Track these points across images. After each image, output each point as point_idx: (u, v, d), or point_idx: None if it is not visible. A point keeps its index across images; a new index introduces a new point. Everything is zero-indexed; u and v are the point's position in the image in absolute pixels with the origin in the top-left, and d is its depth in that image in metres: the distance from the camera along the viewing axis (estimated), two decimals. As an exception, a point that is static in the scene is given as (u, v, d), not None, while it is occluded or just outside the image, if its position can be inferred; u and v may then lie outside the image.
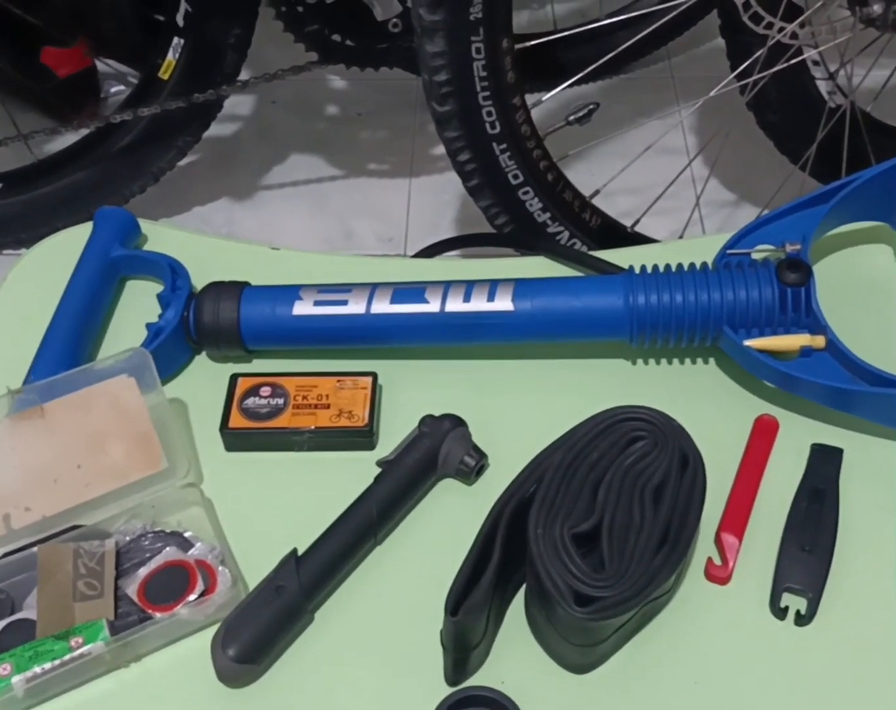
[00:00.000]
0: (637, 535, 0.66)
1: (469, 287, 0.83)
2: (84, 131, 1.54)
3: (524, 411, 0.83)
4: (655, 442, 0.70)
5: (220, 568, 0.72)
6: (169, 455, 0.77)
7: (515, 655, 0.69)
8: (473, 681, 0.67)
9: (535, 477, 0.69)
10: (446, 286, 0.83)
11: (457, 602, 0.63)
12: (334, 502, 0.75)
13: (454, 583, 0.65)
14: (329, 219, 1.69)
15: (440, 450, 0.77)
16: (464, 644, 0.65)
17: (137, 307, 0.91)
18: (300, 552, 0.72)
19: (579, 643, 0.65)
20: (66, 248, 0.94)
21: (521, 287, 0.82)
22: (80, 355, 0.85)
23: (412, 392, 0.84)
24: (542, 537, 0.65)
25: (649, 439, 0.70)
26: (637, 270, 0.84)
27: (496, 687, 0.64)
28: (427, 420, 0.79)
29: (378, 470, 0.77)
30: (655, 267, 0.84)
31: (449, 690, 0.65)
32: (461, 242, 1.11)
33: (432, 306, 0.82)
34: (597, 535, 0.66)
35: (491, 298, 0.82)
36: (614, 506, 0.67)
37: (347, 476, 0.78)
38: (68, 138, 1.59)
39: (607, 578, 0.64)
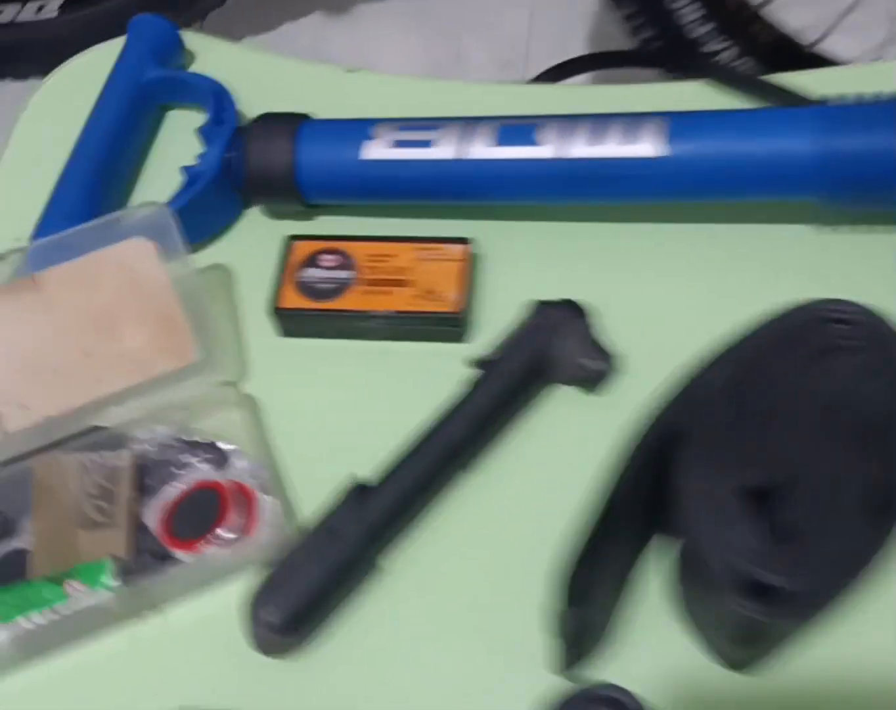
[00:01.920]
0: (839, 495, 0.45)
1: (599, 124, 0.61)
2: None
3: (666, 299, 0.61)
4: (866, 356, 0.48)
5: (262, 496, 0.56)
6: (202, 343, 0.59)
7: (650, 637, 0.50)
8: (594, 672, 0.49)
9: (690, 404, 0.49)
10: (567, 123, 0.61)
11: (577, 586, 0.45)
12: (413, 412, 0.57)
13: (573, 557, 0.46)
14: (435, 38, 1.45)
15: (552, 348, 0.57)
16: (583, 633, 0.47)
17: (179, 146, 0.73)
18: (367, 483, 0.54)
19: (746, 641, 0.47)
20: (97, 69, 0.75)
21: (676, 124, 0.60)
22: (101, 209, 0.67)
23: (516, 267, 0.64)
24: (702, 497, 0.45)
25: (858, 352, 0.48)
26: (830, 102, 0.60)
27: (624, 685, 0.46)
28: (537, 308, 0.59)
29: (470, 372, 0.58)
30: (858, 97, 0.60)
31: (557, 678, 0.48)
32: (593, 63, 0.86)
33: (547, 150, 0.61)
34: (781, 494, 0.45)
35: (630, 138, 0.60)
36: (808, 452, 0.46)
37: (430, 377, 0.59)
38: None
39: (795, 560, 0.44)
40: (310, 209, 0.67)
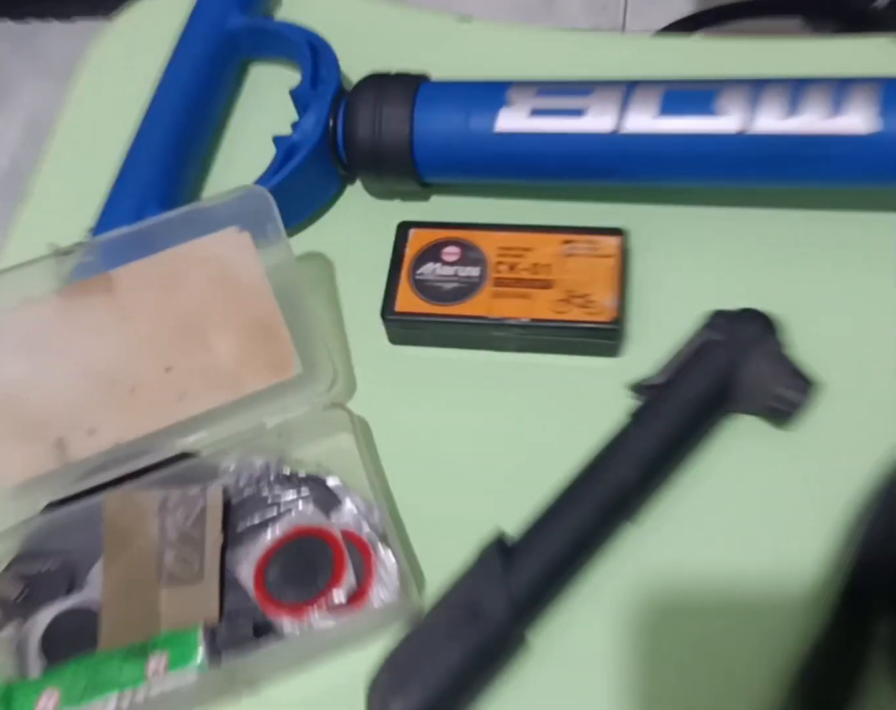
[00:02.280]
0: None
1: (795, 92, 0.49)
2: None
3: (872, 307, 0.50)
4: None
5: (380, 549, 0.45)
6: (304, 354, 0.49)
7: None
8: None
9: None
10: (754, 89, 0.49)
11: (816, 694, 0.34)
12: (558, 444, 0.46)
13: (806, 655, 0.35)
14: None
15: (738, 371, 0.46)
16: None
17: (268, 110, 0.62)
18: (510, 539, 0.44)
19: None
20: (169, 14, 0.64)
21: (892, 92, 0.48)
22: (176, 190, 0.57)
23: (676, 264, 0.53)
24: None
25: None
26: None
27: None
28: (717, 320, 0.48)
29: (630, 397, 0.47)
30: None
31: None
32: (749, 9, 0.72)
33: (729, 122, 0.49)
34: None
35: (836, 109, 0.48)
36: None
37: (578, 400, 0.49)
38: None
39: None
40: (425, 189, 0.56)
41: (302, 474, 0.48)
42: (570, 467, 0.45)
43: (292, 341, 0.49)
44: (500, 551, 0.43)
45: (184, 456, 0.49)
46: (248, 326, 0.49)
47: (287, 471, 0.48)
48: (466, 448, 0.49)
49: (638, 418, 0.46)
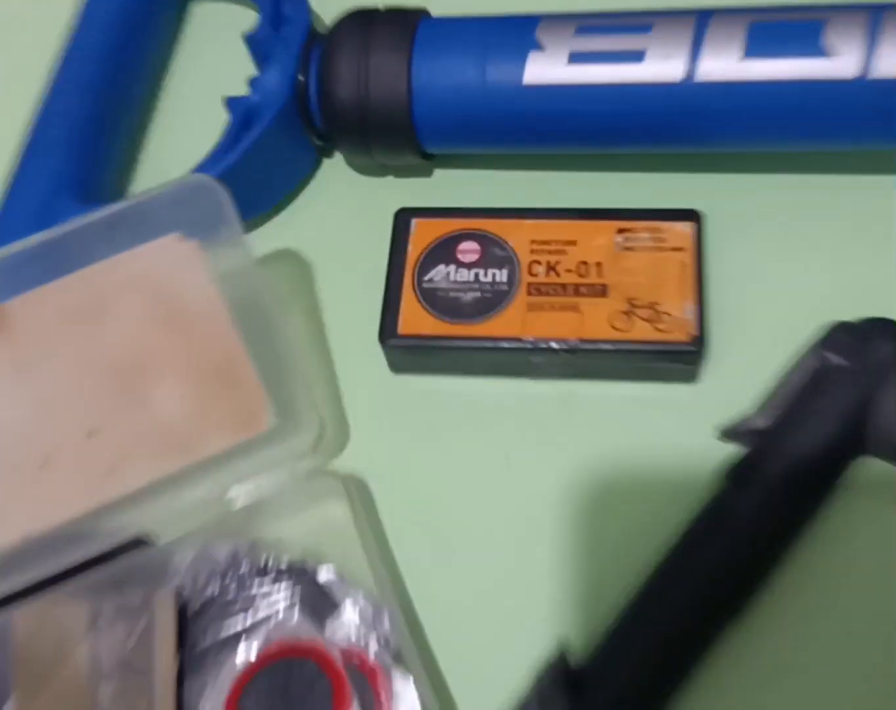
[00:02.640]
0: None
1: (932, 18, 0.36)
2: None
3: None
4: None
5: (395, 674, 0.33)
6: (278, 400, 0.36)
7: None
8: None
9: None
10: (875, 16, 0.36)
11: None
12: (630, 512, 0.34)
13: None
14: None
15: (877, 408, 0.34)
16: None
17: (215, 63, 0.48)
18: (573, 655, 0.32)
19: None
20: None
21: None
22: (96, 179, 0.43)
23: (777, 257, 0.40)
24: None
25: None
26: None
27: None
28: (837, 336, 0.36)
29: (721, 444, 0.35)
30: None
31: None
32: None
33: (843, 64, 0.36)
34: None
35: None
36: None
37: (651, 447, 0.36)
38: None
39: None
40: (427, 162, 0.43)
41: (283, 565, 0.36)
42: (647, 546, 0.33)
43: (261, 384, 0.36)
44: (563, 680, 0.31)
45: (120, 550, 0.36)
46: (201, 366, 0.36)
47: (262, 562, 0.36)
48: (504, 517, 0.37)
49: (738, 477, 0.34)
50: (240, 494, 0.37)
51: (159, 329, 0.35)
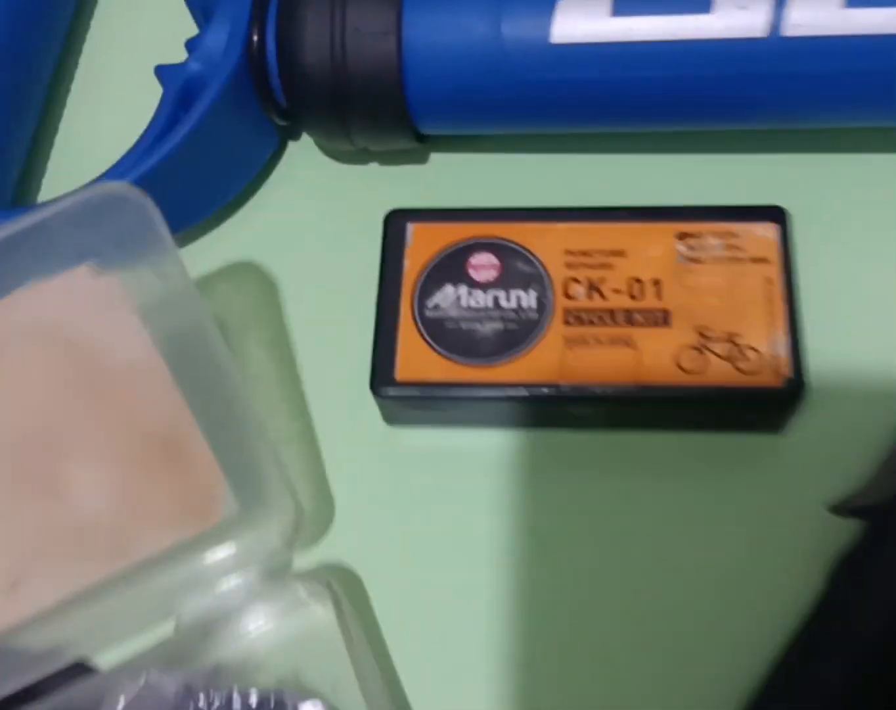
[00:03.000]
0: None
1: None
2: None
3: None
4: None
5: None
6: (238, 479, 0.27)
7: None
8: None
9: None
10: None
11: None
12: (694, 603, 0.26)
13: None
14: None
15: None
16: None
17: (143, 22, 0.38)
18: None
19: None
20: None
21: None
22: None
23: (884, 260, 0.31)
24: None
25: None
26: None
27: None
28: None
29: (821, 518, 0.27)
30: None
31: None
32: None
33: (983, 11, 0.27)
34: None
35: None
36: None
37: (730, 513, 0.28)
38: None
39: None
40: (422, 145, 0.33)
41: (253, 699, 0.27)
42: (727, 656, 0.25)
43: (215, 459, 0.27)
44: None
45: (35, 690, 0.26)
46: (132, 440, 0.26)
47: (225, 697, 0.27)
48: (534, 610, 0.28)
49: (857, 571, 0.26)
50: (192, 606, 0.27)
51: (73, 392, 0.26)
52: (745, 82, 0.29)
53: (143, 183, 0.27)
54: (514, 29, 0.29)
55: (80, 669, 0.27)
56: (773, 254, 0.29)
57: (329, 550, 0.29)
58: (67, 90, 0.37)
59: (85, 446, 0.26)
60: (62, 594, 0.26)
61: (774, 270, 0.29)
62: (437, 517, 0.29)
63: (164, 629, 0.27)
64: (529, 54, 0.29)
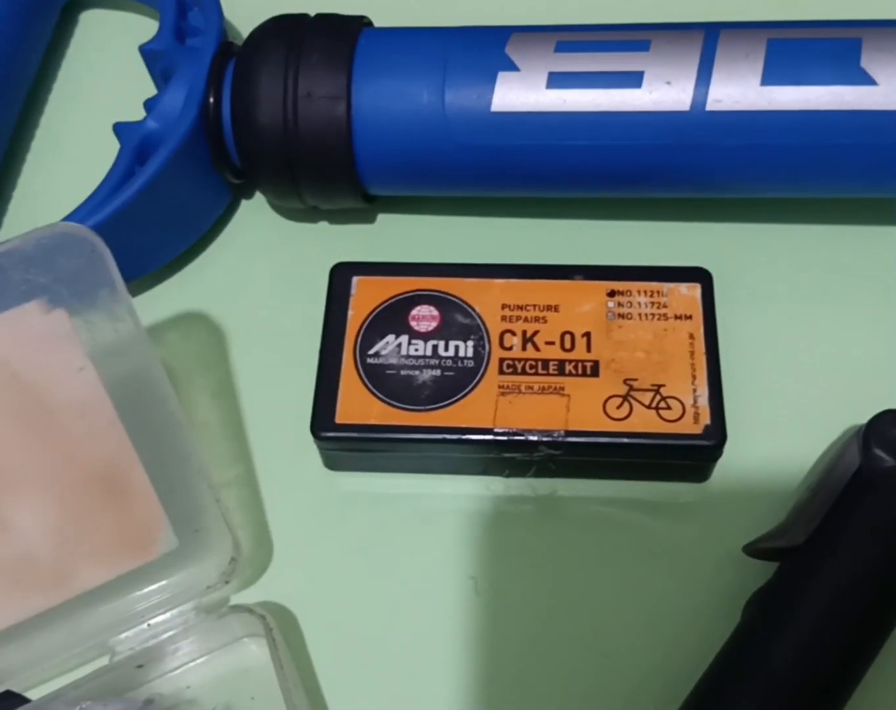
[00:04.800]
0: None
1: None
2: None
3: None
4: None
5: None
6: (178, 515, 0.28)
7: None
8: None
9: None
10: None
11: None
12: (623, 644, 0.27)
13: None
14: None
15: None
16: None
17: (103, 79, 0.40)
18: None
19: None
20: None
21: None
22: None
23: (803, 325, 0.33)
24: None
25: None
26: None
27: None
28: (883, 428, 0.29)
29: (748, 564, 0.28)
30: None
31: None
32: None
33: (883, 91, 0.29)
34: None
35: None
36: None
37: (655, 562, 0.29)
38: None
39: None
40: (369, 205, 0.35)
41: (185, 735, 0.27)
42: (653, 693, 0.26)
43: (155, 494, 0.27)
44: None
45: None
46: (74, 474, 0.27)
47: (158, 732, 0.27)
48: (471, 657, 0.29)
49: (769, 609, 0.27)
50: (129, 637, 0.28)
51: (17, 426, 0.26)
52: (671, 152, 0.31)
53: (98, 231, 0.28)
54: (457, 98, 0.31)
55: (11, 697, 0.27)
56: (697, 311, 0.31)
57: (266, 590, 0.30)
58: (28, 146, 0.38)
59: (27, 479, 0.27)
60: (0, 625, 0.27)
61: (697, 327, 0.31)
62: (373, 561, 0.30)
63: (100, 661, 0.27)
64: (471, 122, 0.31)
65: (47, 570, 0.27)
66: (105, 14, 0.41)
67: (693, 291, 0.31)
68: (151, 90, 0.36)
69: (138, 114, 0.33)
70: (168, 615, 0.28)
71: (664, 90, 0.30)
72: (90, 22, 0.41)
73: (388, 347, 0.31)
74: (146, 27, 0.39)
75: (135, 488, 0.27)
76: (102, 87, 0.39)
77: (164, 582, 0.28)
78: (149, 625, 0.28)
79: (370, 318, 0.31)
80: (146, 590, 0.28)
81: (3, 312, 0.26)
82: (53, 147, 0.38)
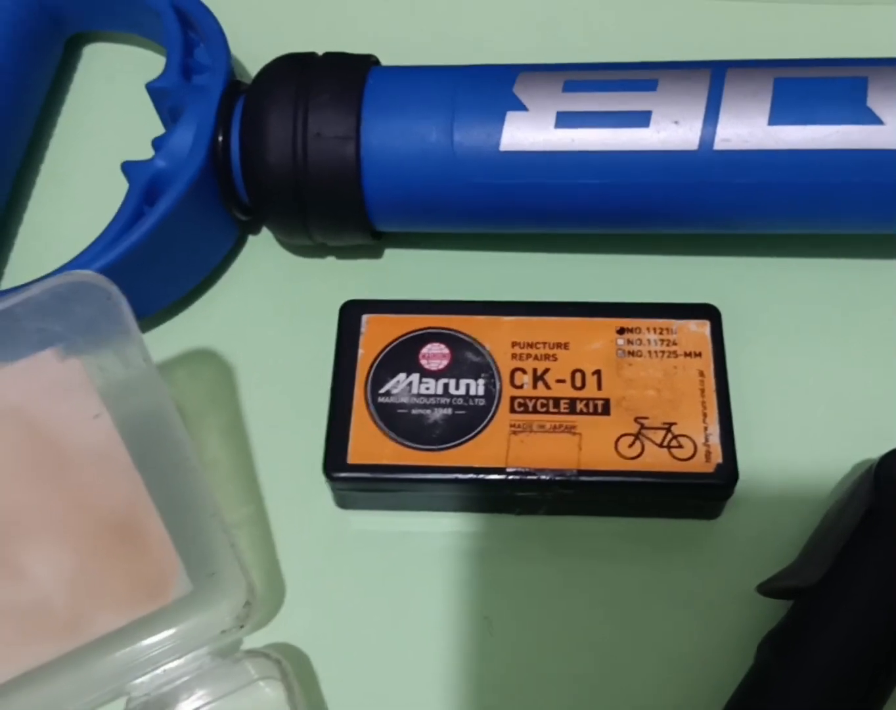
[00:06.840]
0: None
1: None
2: None
3: None
4: None
5: None
6: (192, 559, 0.28)
7: None
8: None
9: None
10: (922, 74, 0.30)
11: None
12: (636, 682, 0.27)
13: None
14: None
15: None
16: None
17: (110, 118, 0.40)
18: None
19: None
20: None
21: None
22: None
23: (812, 362, 0.33)
24: None
25: None
26: None
27: None
28: (894, 464, 0.29)
29: (752, 600, 0.28)
30: None
31: None
32: None
33: (890, 130, 0.30)
34: None
35: None
36: None
37: (665, 599, 0.29)
38: None
39: None
40: (377, 241, 0.35)
41: (201, 781, 0.27)
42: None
43: (169, 539, 0.27)
44: None
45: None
46: (89, 521, 0.27)
47: (173, 779, 0.27)
48: (486, 696, 0.29)
49: (782, 648, 0.27)
50: (144, 683, 0.28)
51: (33, 473, 0.27)
52: (679, 190, 0.31)
53: (107, 272, 0.28)
54: (466, 137, 0.31)
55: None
56: (706, 349, 0.31)
57: (279, 630, 0.30)
58: (34, 182, 0.38)
59: (43, 526, 0.27)
60: (15, 672, 0.27)
61: (707, 364, 0.31)
62: (386, 600, 0.30)
63: (116, 707, 0.27)
64: (479, 162, 0.31)
65: (62, 616, 0.27)
66: (109, 47, 0.41)
67: (702, 328, 0.31)
68: (157, 126, 0.36)
69: (143, 149, 0.33)
70: (183, 659, 0.28)
71: (672, 130, 0.30)
72: (95, 55, 0.41)
73: (400, 385, 0.31)
74: (151, 61, 0.39)
75: (149, 533, 0.27)
76: (107, 122, 0.39)
77: (178, 627, 0.28)
78: (164, 670, 0.28)
79: (381, 356, 0.31)
80: (161, 635, 0.28)
81: (18, 361, 0.26)
82: (59, 185, 0.38)
